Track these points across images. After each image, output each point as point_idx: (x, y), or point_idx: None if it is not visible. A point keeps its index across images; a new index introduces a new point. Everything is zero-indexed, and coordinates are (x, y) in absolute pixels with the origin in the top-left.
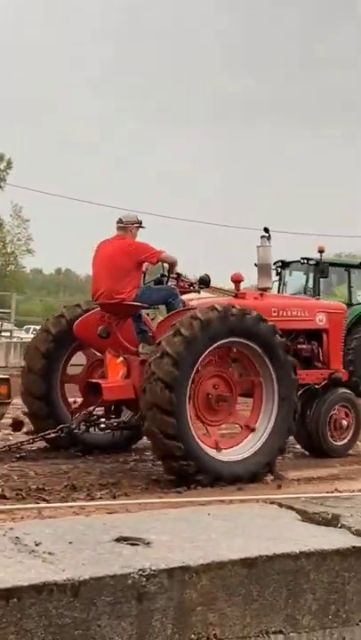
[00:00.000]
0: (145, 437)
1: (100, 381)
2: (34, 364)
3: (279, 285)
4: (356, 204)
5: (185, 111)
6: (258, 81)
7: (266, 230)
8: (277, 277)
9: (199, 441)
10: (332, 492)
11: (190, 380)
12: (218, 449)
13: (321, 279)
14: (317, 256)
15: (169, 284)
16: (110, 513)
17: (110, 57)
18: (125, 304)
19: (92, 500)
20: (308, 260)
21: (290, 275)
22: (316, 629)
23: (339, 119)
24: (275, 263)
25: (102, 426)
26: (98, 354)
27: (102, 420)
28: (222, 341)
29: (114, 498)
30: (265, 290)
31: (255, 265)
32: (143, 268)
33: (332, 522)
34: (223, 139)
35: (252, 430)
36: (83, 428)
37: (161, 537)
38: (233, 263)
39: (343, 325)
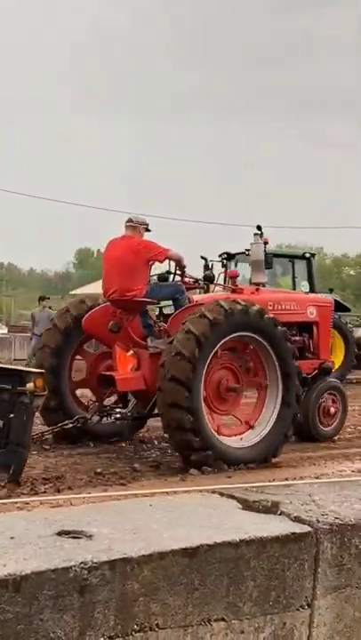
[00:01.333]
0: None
1: (113, 374)
2: (44, 360)
3: (225, 276)
4: (295, 196)
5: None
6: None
7: (258, 228)
8: (223, 269)
9: (214, 432)
10: (272, 481)
11: (203, 376)
12: (219, 433)
13: (266, 270)
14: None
15: (174, 280)
16: (54, 507)
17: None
18: (136, 300)
19: (36, 494)
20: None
21: (235, 266)
22: (258, 616)
23: (274, 112)
24: (219, 255)
25: (118, 416)
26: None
27: (118, 410)
28: (230, 336)
29: (58, 492)
30: (259, 285)
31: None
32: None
33: (271, 509)
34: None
35: (251, 427)
36: (97, 418)
37: (103, 529)
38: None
39: (331, 318)
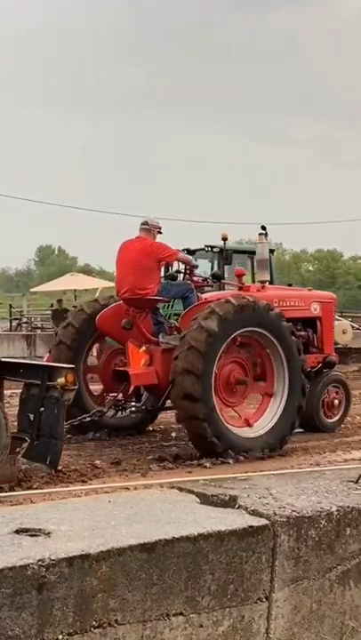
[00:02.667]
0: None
1: (127, 369)
2: (61, 356)
3: (185, 273)
4: (254, 192)
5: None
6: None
7: (263, 228)
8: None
9: (225, 422)
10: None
11: (214, 369)
12: (250, 425)
13: (225, 266)
14: (221, 243)
15: (184, 279)
16: (13, 505)
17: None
18: (148, 298)
19: None
20: (212, 247)
21: (195, 262)
22: (216, 609)
23: (223, 111)
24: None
25: (133, 409)
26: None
27: (133, 404)
28: (239, 331)
29: (17, 489)
30: (264, 282)
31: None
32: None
33: (229, 503)
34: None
35: (250, 425)
36: (112, 412)
37: (61, 526)
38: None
39: (334, 313)
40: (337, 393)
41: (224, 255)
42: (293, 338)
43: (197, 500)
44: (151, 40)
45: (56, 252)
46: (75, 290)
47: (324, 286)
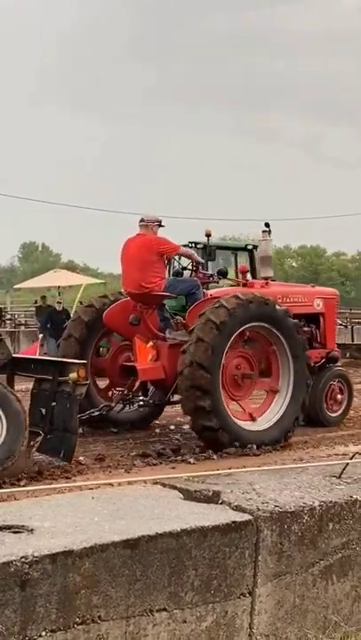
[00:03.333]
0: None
1: (135, 364)
2: (69, 350)
3: (169, 269)
4: (238, 188)
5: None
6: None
7: (267, 225)
8: (166, 261)
9: (231, 414)
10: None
11: (222, 362)
12: (253, 420)
13: (209, 262)
14: (205, 240)
15: (191, 275)
16: None
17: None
18: (154, 294)
19: None
20: (195, 243)
21: (179, 259)
22: (200, 605)
23: (210, 107)
24: None
25: (141, 403)
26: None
27: (140, 398)
28: (246, 325)
29: (1, 486)
30: (267, 279)
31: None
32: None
33: (213, 499)
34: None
35: (253, 420)
36: (120, 406)
37: (44, 523)
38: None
39: (337, 309)
40: (340, 388)
41: (208, 251)
42: (299, 335)
43: (181, 495)
44: (153, 39)
45: (40, 249)
46: (59, 286)
47: (308, 282)
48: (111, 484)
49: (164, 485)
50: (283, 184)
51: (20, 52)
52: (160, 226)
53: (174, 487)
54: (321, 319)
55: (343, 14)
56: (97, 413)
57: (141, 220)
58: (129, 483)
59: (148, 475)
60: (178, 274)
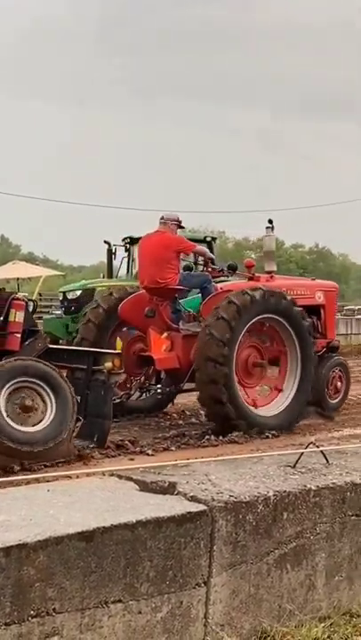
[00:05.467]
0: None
1: (151, 354)
2: (87, 334)
3: (128, 261)
4: (197, 180)
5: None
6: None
7: (270, 222)
8: (126, 254)
9: (246, 404)
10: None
11: (235, 355)
12: (255, 406)
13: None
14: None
15: (203, 270)
16: None
17: None
18: (169, 288)
19: None
20: None
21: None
22: (155, 595)
23: (168, 99)
24: (123, 239)
25: (159, 391)
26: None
27: (158, 386)
28: (256, 319)
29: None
30: (271, 272)
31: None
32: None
33: (168, 490)
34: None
35: (281, 390)
36: (138, 394)
37: None
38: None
39: (336, 301)
40: (339, 376)
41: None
42: (305, 322)
43: (137, 487)
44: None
45: None
46: (18, 278)
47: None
48: (69, 477)
49: (120, 477)
50: (239, 176)
51: None
52: (180, 227)
53: (130, 479)
54: (322, 311)
55: (303, 9)
56: (118, 401)
57: (161, 218)
58: (87, 475)
59: (106, 466)
60: (189, 268)
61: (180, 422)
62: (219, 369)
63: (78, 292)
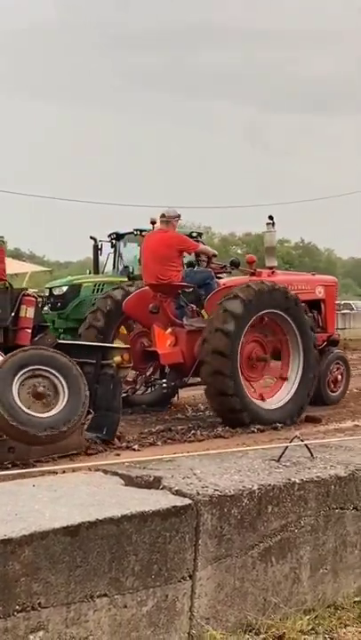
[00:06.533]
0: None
1: (156, 349)
2: (89, 336)
3: (115, 257)
4: (184, 176)
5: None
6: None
7: (270, 218)
8: (112, 249)
9: (250, 396)
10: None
11: (239, 348)
12: (262, 400)
13: None
14: (150, 227)
15: (207, 266)
16: None
17: None
18: (173, 284)
19: None
20: (140, 231)
21: (124, 246)
22: (140, 589)
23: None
24: (108, 235)
25: (165, 386)
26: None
27: (163, 381)
28: (260, 313)
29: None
30: (272, 268)
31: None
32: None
33: (154, 484)
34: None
35: (286, 379)
36: (143, 388)
37: None
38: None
39: (336, 296)
40: (339, 369)
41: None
42: (307, 317)
43: (122, 481)
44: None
45: None
46: None
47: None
48: (55, 472)
49: (105, 472)
50: (225, 172)
51: None
52: (179, 219)
53: (116, 473)
54: (322, 305)
55: (287, 10)
56: (124, 395)
57: (162, 216)
58: (73, 470)
59: (92, 461)
60: (192, 265)
61: (167, 417)
62: (224, 361)
63: (64, 288)
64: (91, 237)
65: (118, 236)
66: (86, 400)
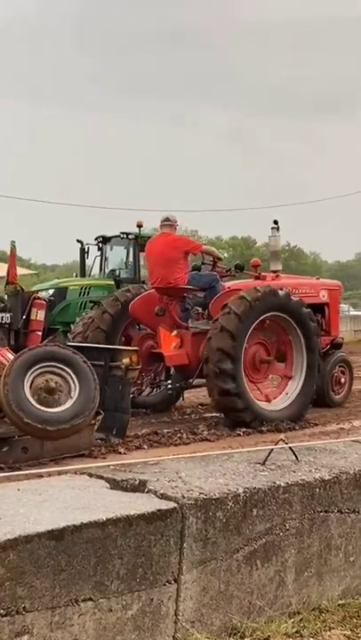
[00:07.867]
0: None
1: (162, 351)
2: (96, 338)
3: (101, 260)
4: (170, 180)
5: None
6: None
7: (275, 222)
8: (99, 253)
9: (252, 396)
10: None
11: (243, 349)
12: (269, 401)
13: (140, 253)
14: (136, 230)
15: (213, 269)
16: None
17: None
18: (179, 287)
19: None
20: (127, 234)
21: (111, 250)
22: (125, 593)
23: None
24: (95, 239)
25: (170, 386)
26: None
27: (168, 382)
28: (265, 315)
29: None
30: (276, 272)
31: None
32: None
33: (139, 487)
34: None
35: (291, 378)
36: (149, 390)
37: None
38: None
39: (340, 299)
40: (343, 372)
41: (140, 242)
42: (311, 321)
43: (107, 485)
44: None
45: None
46: None
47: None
48: (41, 475)
49: (90, 475)
50: (213, 175)
51: None
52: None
53: (101, 477)
54: (326, 309)
55: (274, 6)
56: (130, 396)
57: (166, 220)
58: (58, 473)
59: (77, 465)
60: (197, 268)
61: (153, 420)
62: (227, 360)
63: (51, 292)
64: (77, 240)
65: (105, 240)
66: (97, 392)
